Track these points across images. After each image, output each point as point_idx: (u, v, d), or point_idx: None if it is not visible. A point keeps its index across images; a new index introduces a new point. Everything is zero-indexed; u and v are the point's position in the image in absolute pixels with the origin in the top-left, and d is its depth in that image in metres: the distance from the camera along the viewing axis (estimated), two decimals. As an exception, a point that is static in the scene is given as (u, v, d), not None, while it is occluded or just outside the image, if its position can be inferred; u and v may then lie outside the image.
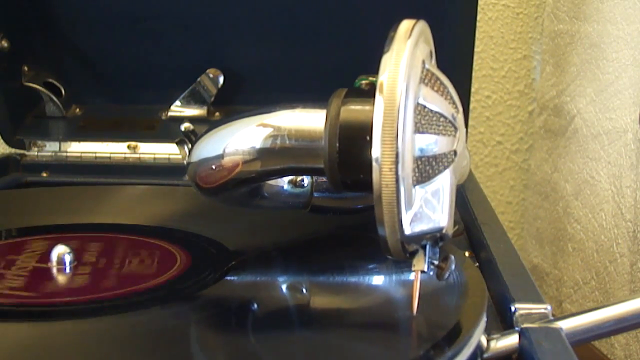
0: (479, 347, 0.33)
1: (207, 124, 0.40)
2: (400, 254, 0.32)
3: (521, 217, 0.82)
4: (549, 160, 0.71)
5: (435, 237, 0.33)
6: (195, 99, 0.67)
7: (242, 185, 0.38)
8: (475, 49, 0.63)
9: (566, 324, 0.34)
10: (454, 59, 0.61)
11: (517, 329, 0.34)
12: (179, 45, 0.67)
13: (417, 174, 0.31)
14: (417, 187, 0.31)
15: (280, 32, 0.66)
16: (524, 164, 0.82)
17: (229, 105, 0.67)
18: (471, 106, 0.68)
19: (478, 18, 0.63)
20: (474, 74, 0.65)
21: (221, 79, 0.66)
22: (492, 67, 0.80)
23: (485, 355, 0.33)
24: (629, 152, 0.57)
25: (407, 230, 0.31)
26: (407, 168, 0.30)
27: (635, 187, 0.56)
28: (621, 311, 0.35)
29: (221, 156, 0.37)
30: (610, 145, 0.60)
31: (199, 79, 0.66)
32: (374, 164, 0.30)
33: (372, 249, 0.33)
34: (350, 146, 0.33)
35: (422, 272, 0.33)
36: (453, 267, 0.33)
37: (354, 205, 0.44)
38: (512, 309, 0.35)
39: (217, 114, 0.67)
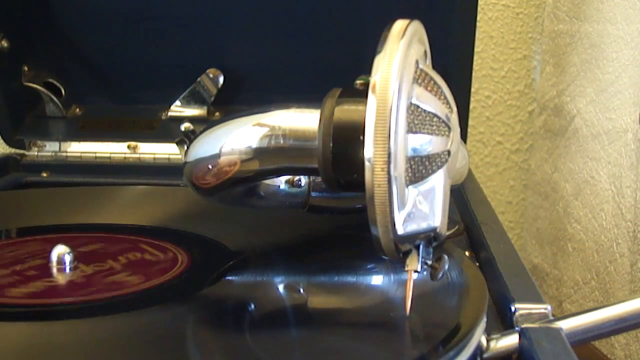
0: (479, 347, 0.33)
1: (207, 124, 0.40)
2: (393, 254, 0.32)
3: (521, 217, 0.82)
4: (549, 160, 0.71)
5: (429, 237, 0.33)
6: (195, 99, 0.67)
7: (238, 184, 0.38)
8: (475, 49, 0.63)
9: (566, 324, 0.34)
10: (454, 59, 0.61)
11: (517, 329, 0.34)
12: (179, 45, 0.67)
13: (410, 174, 0.31)
14: (410, 187, 0.31)
15: (280, 32, 0.66)
16: (524, 164, 0.82)
17: (229, 105, 0.67)
18: (471, 106, 0.68)
19: (478, 18, 0.63)
20: (474, 74, 0.65)
21: (221, 79, 0.66)
22: (492, 67, 0.80)
23: (485, 355, 0.33)
24: (629, 152, 0.57)
25: (400, 230, 0.31)
26: (399, 168, 0.30)
27: (635, 187, 0.56)
28: (621, 311, 0.35)
29: (217, 156, 0.37)
30: (610, 145, 0.59)
31: (199, 79, 0.66)
32: (366, 163, 0.30)
33: (372, 248, 0.33)
34: (344, 146, 0.33)
35: (416, 272, 0.33)
36: (447, 267, 0.33)
37: (352, 205, 0.44)
38: (512, 309, 0.35)
39: (217, 114, 0.67)
